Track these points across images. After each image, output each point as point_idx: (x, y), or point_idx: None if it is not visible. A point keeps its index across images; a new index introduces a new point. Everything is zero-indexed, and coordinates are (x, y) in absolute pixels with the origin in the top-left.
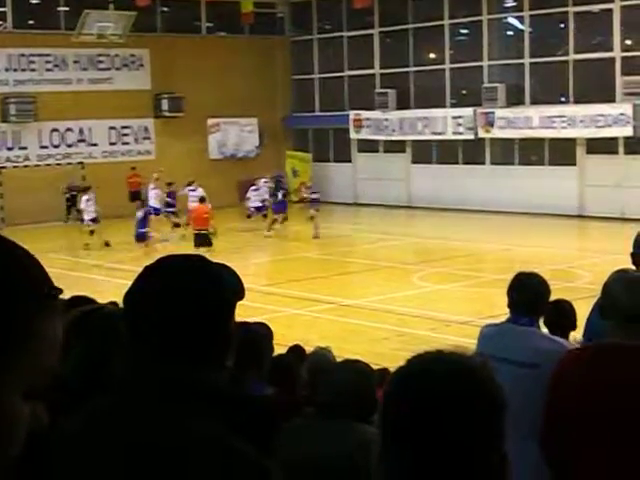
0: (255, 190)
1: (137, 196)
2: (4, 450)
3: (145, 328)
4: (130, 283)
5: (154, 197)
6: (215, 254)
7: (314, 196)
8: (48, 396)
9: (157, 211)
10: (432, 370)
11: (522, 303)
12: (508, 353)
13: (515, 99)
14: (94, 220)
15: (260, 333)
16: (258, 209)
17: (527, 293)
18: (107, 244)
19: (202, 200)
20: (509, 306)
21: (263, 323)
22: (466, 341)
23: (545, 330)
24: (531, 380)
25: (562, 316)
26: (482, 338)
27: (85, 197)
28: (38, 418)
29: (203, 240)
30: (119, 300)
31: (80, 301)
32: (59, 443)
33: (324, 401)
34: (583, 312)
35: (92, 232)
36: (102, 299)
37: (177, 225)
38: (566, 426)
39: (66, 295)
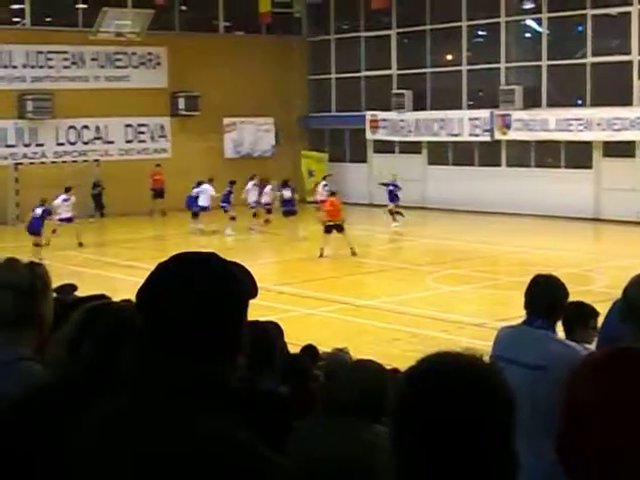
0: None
1: (160, 194)
2: None
3: (158, 325)
4: (142, 281)
5: (206, 196)
6: (228, 252)
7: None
8: (59, 392)
9: (205, 209)
10: (444, 370)
11: (537, 305)
12: (518, 355)
13: (532, 101)
14: (69, 220)
15: (271, 331)
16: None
17: (543, 295)
18: (80, 244)
19: (333, 194)
20: (525, 308)
21: (274, 322)
22: (479, 343)
23: (561, 333)
24: (540, 383)
25: (581, 316)
26: (498, 339)
27: (63, 196)
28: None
29: (336, 228)
30: (132, 297)
31: (95, 299)
32: (72, 448)
33: (337, 400)
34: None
35: (54, 231)
36: (116, 297)
37: (233, 218)
38: (582, 428)
39: (82, 292)
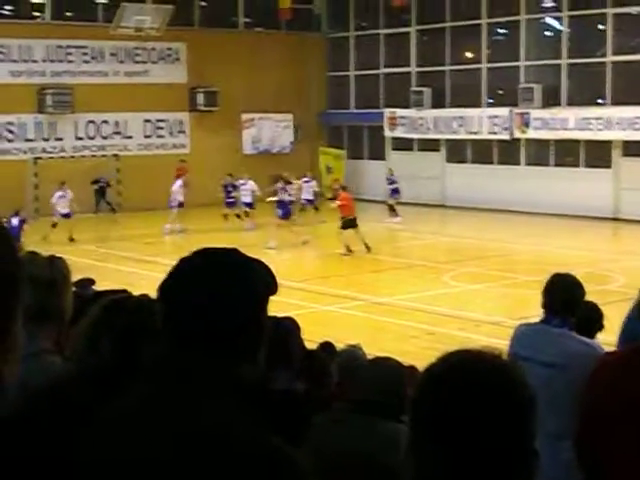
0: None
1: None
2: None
3: (177, 320)
4: (162, 276)
5: (247, 192)
6: (247, 248)
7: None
8: (79, 386)
9: (250, 205)
10: (464, 368)
11: (555, 304)
12: (537, 353)
13: (551, 100)
14: (67, 215)
15: (288, 327)
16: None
17: (561, 294)
18: (72, 239)
19: (344, 188)
20: (543, 306)
21: (290, 317)
22: (496, 342)
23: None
24: (558, 381)
25: (591, 317)
26: (515, 337)
27: (59, 193)
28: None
29: (351, 224)
30: (149, 292)
31: (115, 293)
32: (85, 444)
33: (354, 398)
34: (617, 315)
35: (54, 225)
36: (134, 291)
37: (238, 216)
38: (602, 427)
39: (99, 287)
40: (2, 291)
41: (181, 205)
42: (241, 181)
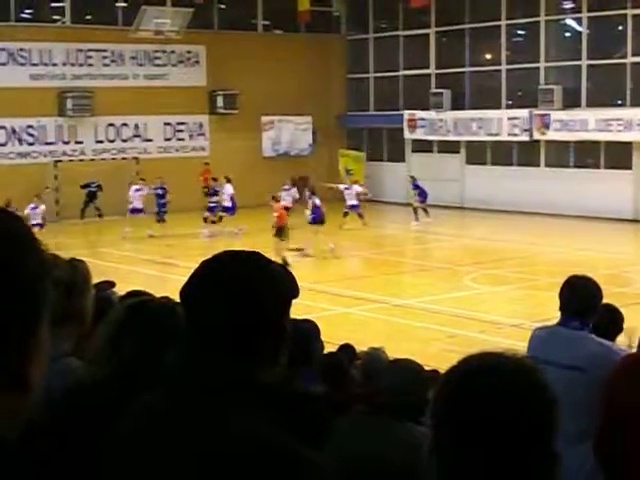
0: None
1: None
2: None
3: (200, 324)
4: (183, 279)
5: (227, 196)
6: (268, 251)
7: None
8: (103, 388)
9: (229, 210)
10: (486, 371)
11: (572, 306)
12: (556, 356)
13: (571, 101)
14: (40, 226)
15: (308, 330)
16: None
17: (578, 296)
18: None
19: (275, 199)
20: (560, 309)
21: (311, 320)
22: (517, 344)
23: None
24: (578, 384)
25: (611, 320)
26: (532, 340)
27: (31, 205)
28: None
29: (278, 233)
30: (170, 294)
31: (135, 295)
32: (113, 445)
33: (375, 400)
34: (638, 317)
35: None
36: (155, 294)
37: (213, 222)
38: (621, 428)
39: (119, 289)
40: (28, 291)
41: (137, 211)
42: (221, 187)
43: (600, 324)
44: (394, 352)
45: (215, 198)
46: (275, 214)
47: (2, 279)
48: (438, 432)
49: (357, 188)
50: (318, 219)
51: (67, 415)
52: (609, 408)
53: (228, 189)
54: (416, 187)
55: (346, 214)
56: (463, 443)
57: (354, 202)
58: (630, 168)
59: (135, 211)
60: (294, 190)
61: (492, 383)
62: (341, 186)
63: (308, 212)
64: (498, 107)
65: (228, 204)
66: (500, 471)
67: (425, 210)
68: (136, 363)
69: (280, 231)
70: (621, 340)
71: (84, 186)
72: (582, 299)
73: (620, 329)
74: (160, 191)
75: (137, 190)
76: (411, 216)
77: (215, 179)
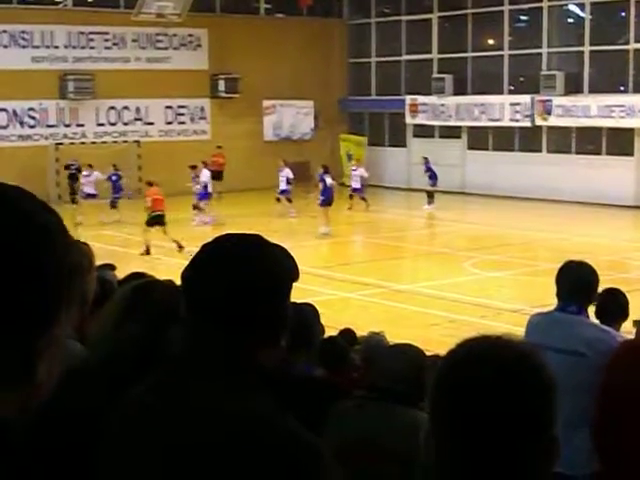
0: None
1: (219, 176)
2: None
3: (202, 306)
4: (183, 262)
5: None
6: (270, 235)
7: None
8: (108, 369)
9: (204, 196)
10: (484, 355)
11: (570, 291)
12: (555, 341)
13: (573, 87)
14: (93, 196)
15: (308, 313)
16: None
17: (575, 281)
18: None
19: (151, 184)
20: (557, 294)
21: (310, 303)
22: (517, 329)
23: (594, 319)
24: (578, 368)
25: (616, 305)
26: (530, 326)
27: (85, 172)
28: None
29: (158, 220)
30: (171, 277)
31: (139, 277)
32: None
33: (375, 384)
34: (637, 303)
35: None
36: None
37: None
38: (620, 413)
39: (120, 272)
40: (57, 279)
41: (90, 196)
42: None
43: (605, 309)
44: (394, 337)
45: (194, 186)
46: (148, 199)
47: (22, 273)
48: (435, 415)
49: (363, 171)
50: (327, 201)
51: (63, 402)
52: (606, 393)
53: (205, 174)
54: (428, 169)
55: (352, 196)
56: (460, 428)
57: (357, 185)
58: (632, 154)
59: (89, 196)
60: (287, 170)
61: (489, 367)
62: (350, 167)
63: (317, 194)
64: (500, 92)
65: (202, 191)
66: (498, 455)
67: (431, 196)
68: (141, 344)
69: (155, 219)
70: (627, 327)
71: (67, 167)
72: (578, 284)
73: (626, 314)
74: (114, 177)
75: (86, 176)
76: (424, 200)
77: (194, 166)
